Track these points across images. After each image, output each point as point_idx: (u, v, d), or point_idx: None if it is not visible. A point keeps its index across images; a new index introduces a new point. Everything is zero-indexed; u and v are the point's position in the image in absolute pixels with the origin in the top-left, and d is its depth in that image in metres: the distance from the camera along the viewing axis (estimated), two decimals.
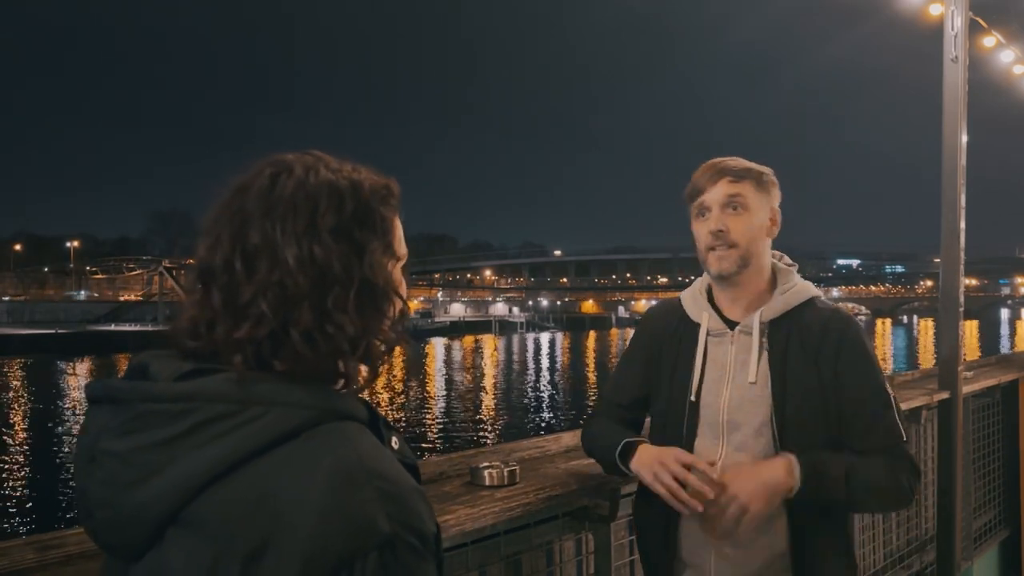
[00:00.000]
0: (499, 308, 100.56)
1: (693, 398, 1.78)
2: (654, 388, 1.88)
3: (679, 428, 1.78)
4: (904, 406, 3.24)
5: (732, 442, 1.74)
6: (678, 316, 1.89)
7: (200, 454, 0.77)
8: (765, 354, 1.75)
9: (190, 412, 0.78)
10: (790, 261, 1.88)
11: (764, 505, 1.61)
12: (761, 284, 1.80)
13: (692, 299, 1.88)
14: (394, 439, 0.90)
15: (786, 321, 1.76)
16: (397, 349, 0.91)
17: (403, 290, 0.92)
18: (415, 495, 0.81)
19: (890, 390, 1.75)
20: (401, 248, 0.93)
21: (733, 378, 1.76)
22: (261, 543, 0.74)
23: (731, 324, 1.80)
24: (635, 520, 1.93)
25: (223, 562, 0.74)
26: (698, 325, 1.83)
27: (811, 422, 1.71)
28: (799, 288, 1.80)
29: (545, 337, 72.02)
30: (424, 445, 18.30)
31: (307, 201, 0.85)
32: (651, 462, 1.68)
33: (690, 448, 1.76)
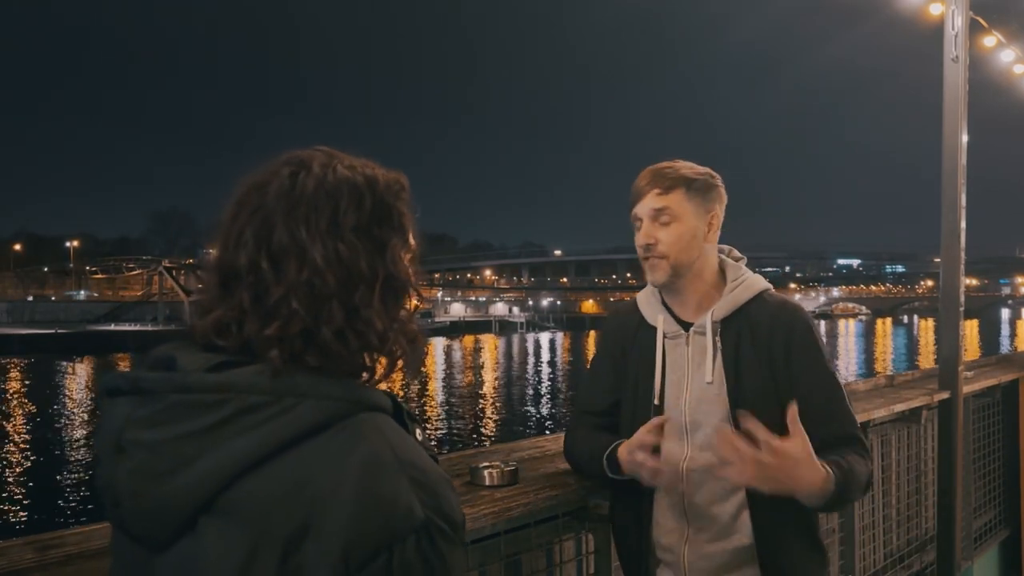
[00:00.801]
0: (499, 308, 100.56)
1: (657, 402, 1.81)
2: (622, 393, 1.90)
3: None
4: (904, 406, 3.24)
5: (695, 441, 1.77)
6: (637, 319, 1.90)
7: (233, 444, 0.78)
8: (719, 353, 1.77)
9: (223, 403, 0.79)
10: (739, 254, 1.89)
11: (770, 491, 1.55)
12: (704, 285, 1.81)
13: (647, 302, 1.90)
14: (417, 430, 0.91)
15: (737, 318, 1.78)
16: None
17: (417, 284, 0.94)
18: (444, 484, 0.83)
19: (840, 380, 1.78)
20: (414, 242, 0.95)
21: (691, 379, 1.79)
22: (301, 527, 0.76)
23: (685, 325, 1.82)
24: (612, 521, 1.93)
25: (263, 546, 0.76)
26: (655, 328, 1.85)
27: (767, 417, 1.70)
28: (747, 283, 1.81)
29: (545, 337, 72.02)
30: None
31: (328, 199, 0.86)
32: (630, 465, 1.70)
33: (657, 450, 1.75)
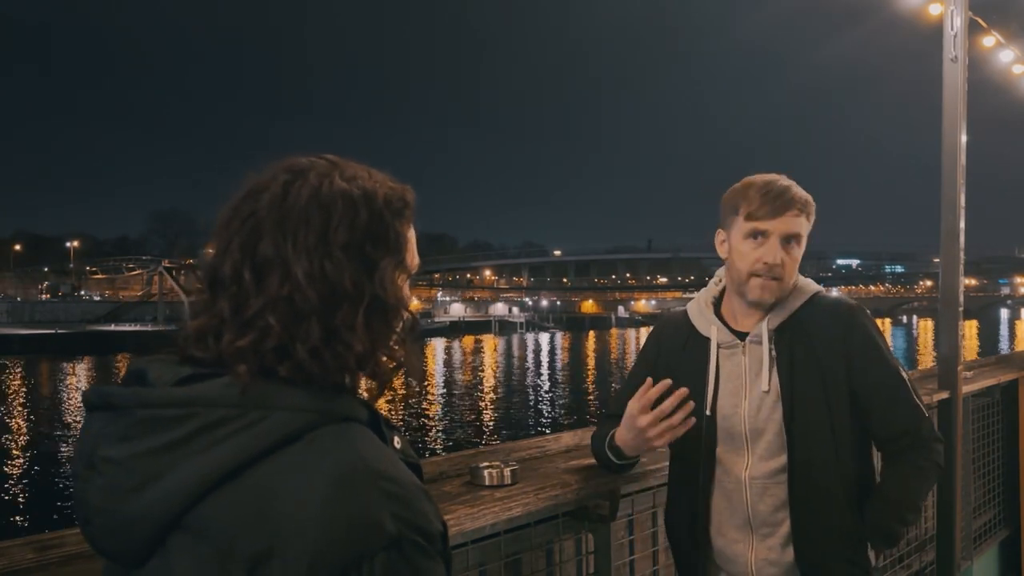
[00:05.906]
0: (499, 308, 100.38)
1: (708, 412, 1.80)
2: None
3: (697, 442, 1.81)
4: None
5: (756, 451, 1.77)
6: (687, 330, 1.89)
7: (200, 459, 0.76)
8: (775, 362, 1.76)
9: (190, 417, 0.78)
10: None
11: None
12: None
13: (699, 313, 1.88)
14: (396, 438, 0.90)
15: (791, 325, 1.77)
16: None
17: (411, 304, 0.91)
18: (420, 494, 0.81)
19: (904, 373, 1.79)
20: (413, 261, 0.92)
21: (750, 389, 1.78)
22: (266, 548, 0.74)
23: (739, 335, 1.81)
24: (668, 528, 1.97)
25: (228, 567, 0.74)
26: (707, 339, 1.84)
27: (820, 423, 1.74)
28: (799, 288, 1.80)
29: (545, 337, 71.96)
30: (424, 445, 18.31)
31: (320, 212, 0.83)
32: (629, 435, 1.75)
33: (711, 459, 1.80)
